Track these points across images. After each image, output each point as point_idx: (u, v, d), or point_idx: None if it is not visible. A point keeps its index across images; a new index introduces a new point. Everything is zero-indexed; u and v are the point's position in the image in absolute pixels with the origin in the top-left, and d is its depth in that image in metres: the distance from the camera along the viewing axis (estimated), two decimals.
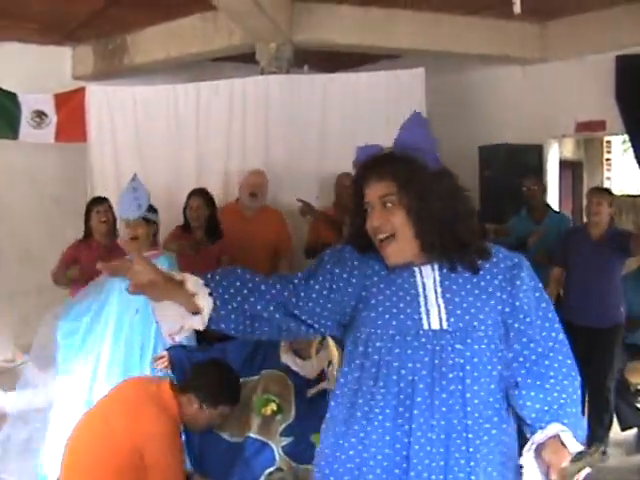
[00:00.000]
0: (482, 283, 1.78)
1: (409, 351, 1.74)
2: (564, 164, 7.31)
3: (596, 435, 4.34)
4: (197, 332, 4.09)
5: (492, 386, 1.75)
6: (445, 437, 1.70)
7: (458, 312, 1.74)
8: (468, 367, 1.72)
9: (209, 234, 4.82)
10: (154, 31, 6.39)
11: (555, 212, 5.63)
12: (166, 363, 3.22)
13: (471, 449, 1.70)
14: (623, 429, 4.86)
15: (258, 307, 1.74)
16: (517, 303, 1.78)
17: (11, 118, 6.04)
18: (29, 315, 5.83)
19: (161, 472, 2.71)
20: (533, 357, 1.77)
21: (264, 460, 3.06)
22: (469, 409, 1.72)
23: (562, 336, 1.82)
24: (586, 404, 4.29)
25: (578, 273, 4.62)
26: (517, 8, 4.13)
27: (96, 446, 2.72)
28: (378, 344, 1.77)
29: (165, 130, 5.72)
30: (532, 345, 1.77)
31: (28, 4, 5.59)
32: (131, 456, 2.68)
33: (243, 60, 6.35)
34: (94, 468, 2.68)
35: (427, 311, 1.75)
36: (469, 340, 1.73)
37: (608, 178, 8.72)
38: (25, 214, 6.63)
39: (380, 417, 1.74)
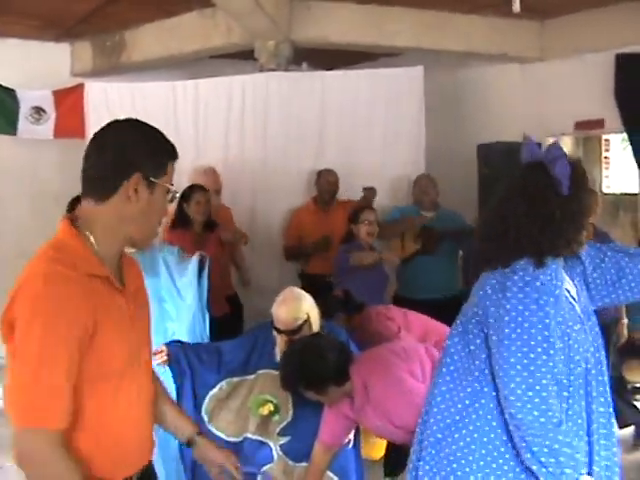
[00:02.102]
0: None
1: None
2: None
3: None
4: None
5: None
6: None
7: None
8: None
9: (205, 227, 4.86)
10: (153, 28, 6.37)
11: None
12: (165, 357, 3.22)
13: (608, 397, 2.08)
14: (621, 427, 4.86)
15: None
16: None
17: (10, 114, 6.06)
18: None
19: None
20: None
21: (262, 457, 3.08)
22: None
23: None
24: None
25: None
26: (516, 7, 4.12)
27: None
28: None
29: (163, 127, 5.54)
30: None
31: (27, 0, 5.57)
32: None
33: (242, 57, 6.34)
34: None
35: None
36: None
37: (606, 176, 8.70)
38: (23, 211, 6.62)
39: None
